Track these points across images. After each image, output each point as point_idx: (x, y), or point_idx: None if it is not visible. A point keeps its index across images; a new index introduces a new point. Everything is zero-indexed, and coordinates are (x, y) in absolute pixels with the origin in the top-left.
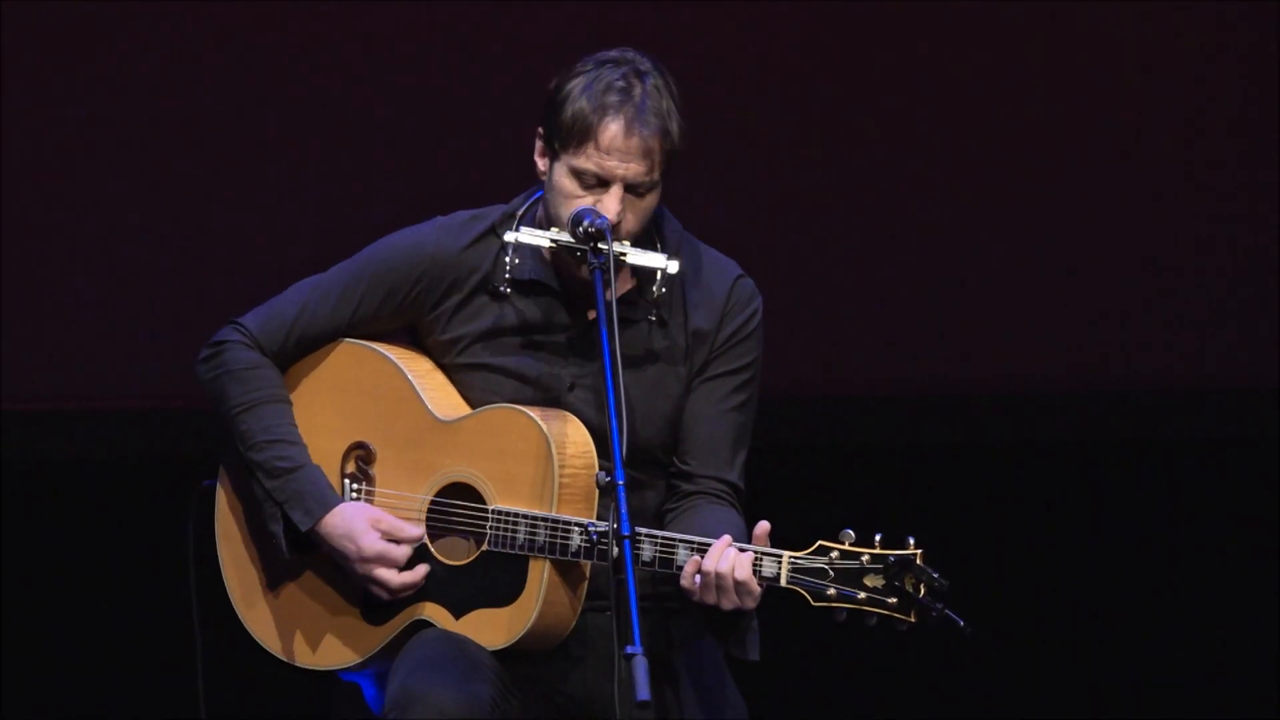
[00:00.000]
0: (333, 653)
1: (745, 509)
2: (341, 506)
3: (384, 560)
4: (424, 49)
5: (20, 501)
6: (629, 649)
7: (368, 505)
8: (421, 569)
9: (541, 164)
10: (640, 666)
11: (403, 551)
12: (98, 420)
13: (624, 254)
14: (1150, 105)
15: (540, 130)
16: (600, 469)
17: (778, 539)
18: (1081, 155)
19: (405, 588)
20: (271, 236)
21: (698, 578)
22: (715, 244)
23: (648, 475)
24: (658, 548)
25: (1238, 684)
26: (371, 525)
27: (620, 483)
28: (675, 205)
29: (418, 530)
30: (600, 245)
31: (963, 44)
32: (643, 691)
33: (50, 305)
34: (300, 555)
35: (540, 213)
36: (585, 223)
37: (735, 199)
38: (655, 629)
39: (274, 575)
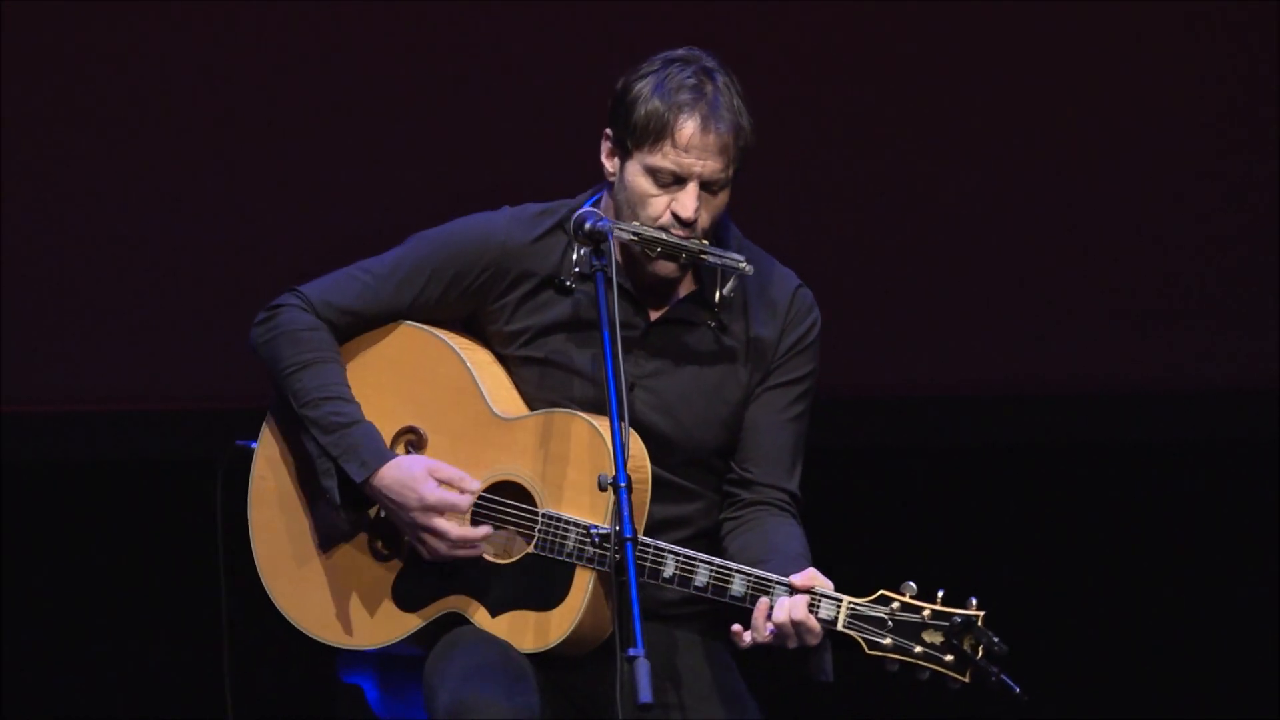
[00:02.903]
0: (358, 631)
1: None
2: (398, 459)
3: (445, 508)
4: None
5: (20, 501)
6: (630, 651)
7: (423, 456)
8: (485, 528)
9: (610, 165)
10: (642, 668)
11: (466, 500)
12: (98, 420)
13: (705, 252)
14: (1150, 105)
15: (609, 131)
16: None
17: None
18: (1081, 156)
19: (464, 542)
20: (274, 238)
21: (770, 628)
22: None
23: (698, 483)
24: (677, 565)
25: (1238, 684)
26: (430, 474)
27: (622, 485)
28: None
29: (477, 483)
30: (602, 246)
31: (962, 44)
32: (644, 694)
33: (50, 305)
34: (346, 520)
35: (606, 210)
36: (588, 225)
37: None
38: (657, 635)
39: (308, 545)
